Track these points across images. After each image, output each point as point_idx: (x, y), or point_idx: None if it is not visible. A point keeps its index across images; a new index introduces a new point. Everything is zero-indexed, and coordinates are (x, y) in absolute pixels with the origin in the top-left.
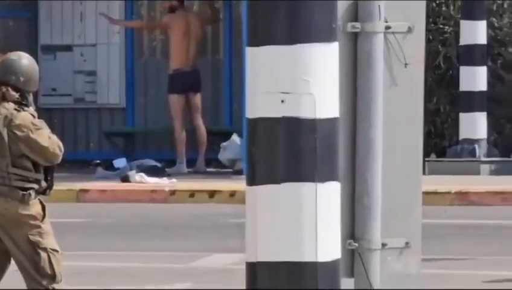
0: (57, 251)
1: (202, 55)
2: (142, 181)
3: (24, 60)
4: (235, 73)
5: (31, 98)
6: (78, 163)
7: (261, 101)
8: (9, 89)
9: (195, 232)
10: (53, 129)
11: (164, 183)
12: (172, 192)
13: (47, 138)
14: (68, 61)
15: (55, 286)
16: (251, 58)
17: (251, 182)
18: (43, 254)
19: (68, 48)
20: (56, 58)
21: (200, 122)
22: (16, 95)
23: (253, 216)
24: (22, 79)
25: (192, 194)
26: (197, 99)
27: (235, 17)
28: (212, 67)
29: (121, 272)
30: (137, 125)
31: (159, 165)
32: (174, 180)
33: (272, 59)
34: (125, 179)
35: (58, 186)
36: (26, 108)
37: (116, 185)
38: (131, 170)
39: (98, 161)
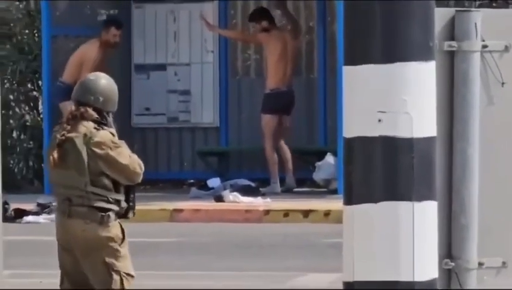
0: (131, 276)
1: (296, 74)
2: (236, 201)
3: (102, 80)
4: (329, 92)
5: (110, 118)
6: (171, 183)
7: (358, 120)
8: (88, 109)
9: (289, 251)
10: (146, 149)
11: (258, 202)
12: (267, 212)
13: (127, 156)
14: (162, 81)
15: None
16: (348, 77)
17: (348, 201)
18: (116, 277)
19: (162, 67)
20: (149, 77)
21: (282, 143)
22: (94, 114)
23: (350, 235)
24: (100, 99)
25: (286, 213)
26: (288, 120)
27: (329, 36)
28: (307, 86)
29: None
30: (231, 145)
31: (253, 184)
32: (268, 199)
33: (368, 78)
34: (219, 198)
35: (151, 205)
36: (105, 127)
37: (210, 204)
38: (225, 189)
39: (191, 181)
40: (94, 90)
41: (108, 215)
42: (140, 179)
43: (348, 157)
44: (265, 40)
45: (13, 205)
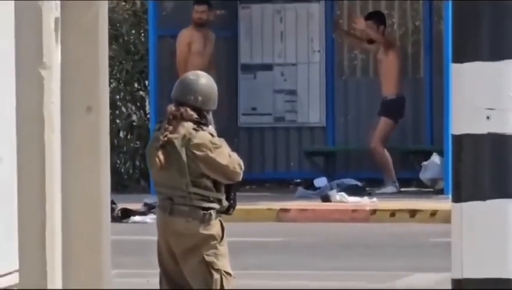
0: (229, 274)
1: (403, 76)
2: (343, 200)
3: (202, 79)
4: (436, 92)
5: (210, 116)
6: (278, 182)
7: (466, 117)
8: (188, 109)
9: (396, 251)
10: (253, 149)
11: (365, 202)
12: (373, 211)
13: (227, 156)
14: (268, 81)
15: None
16: (456, 74)
17: (456, 199)
18: (216, 276)
19: (268, 67)
20: (256, 77)
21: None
22: (194, 114)
23: (458, 232)
24: (200, 99)
25: (393, 213)
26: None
27: (435, 35)
28: (413, 86)
29: None
30: (337, 145)
31: (359, 184)
32: (374, 199)
33: (477, 75)
34: (326, 198)
35: (258, 205)
36: (205, 127)
37: (316, 204)
38: (331, 189)
39: (298, 180)
40: (194, 90)
41: (210, 214)
42: (240, 177)
43: (457, 155)
44: (387, 45)
45: (120, 205)
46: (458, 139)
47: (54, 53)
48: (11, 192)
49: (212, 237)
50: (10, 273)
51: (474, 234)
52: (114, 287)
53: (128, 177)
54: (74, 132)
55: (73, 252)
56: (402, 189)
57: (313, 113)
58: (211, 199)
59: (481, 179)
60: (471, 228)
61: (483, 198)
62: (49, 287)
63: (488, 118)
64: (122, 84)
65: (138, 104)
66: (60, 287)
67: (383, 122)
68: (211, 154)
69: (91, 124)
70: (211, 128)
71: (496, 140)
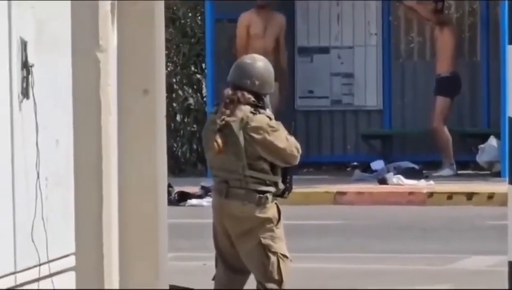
0: (286, 257)
1: (459, 57)
2: (400, 183)
3: (259, 62)
4: (492, 75)
5: (267, 99)
6: (335, 165)
7: None
8: (245, 93)
9: (452, 234)
10: (310, 132)
11: (422, 185)
12: (430, 194)
13: (284, 139)
14: (325, 64)
15: None
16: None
17: None
18: (273, 258)
19: (325, 50)
20: (313, 60)
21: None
22: (251, 98)
23: None
24: (257, 82)
25: (450, 196)
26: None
27: (492, 18)
28: (470, 69)
29: (377, 274)
30: (394, 128)
31: (416, 167)
32: (431, 182)
33: None
34: (383, 181)
35: (315, 188)
36: (262, 110)
37: (373, 187)
38: (388, 172)
39: (355, 163)
40: (250, 74)
41: (266, 197)
42: (297, 161)
43: None
44: (442, 23)
45: (177, 188)
46: None
47: (110, 36)
48: (68, 174)
49: (268, 220)
50: (67, 255)
51: None
52: (171, 269)
53: (185, 160)
54: (131, 114)
55: (130, 235)
56: (459, 172)
57: (369, 96)
58: (267, 182)
59: None
60: None
61: None
62: (105, 269)
63: None
64: (179, 68)
65: (195, 87)
66: (117, 269)
67: (439, 100)
68: (268, 137)
69: (147, 106)
70: (268, 111)
71: None
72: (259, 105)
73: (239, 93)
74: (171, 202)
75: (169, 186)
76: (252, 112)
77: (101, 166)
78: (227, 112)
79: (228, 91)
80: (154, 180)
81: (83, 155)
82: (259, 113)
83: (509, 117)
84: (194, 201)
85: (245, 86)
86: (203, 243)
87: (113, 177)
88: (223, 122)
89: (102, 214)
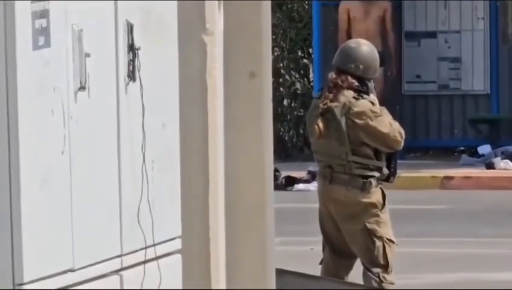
0: (392, 242)
1: None
2: (507, 168)
3: (364, 47)
4: None
5: (371, 84)
6: (442, 150)
7: None
8: (348, 77)
9: None
10: (417, 116)
11: None
12: None
13: (387, 124)
14: (432, 48)
15: (386, 276)
16: None
17: None
18: (378, 243)
19: (432, 35)
20: (420, 45)
21: None
22: (355, 82)
23: None
24: (361, 67)
25: None
26: None
27: None
28: None
29: (485, 258)
30: (502, 112)
31: None
32: None
33: None
34: (490, 165)
35: (422, 173)
36: (365, 96)
37: (480, 171)
38: (495, 156)
39: (462, 148)
40: (354, 58)
41: (370, 182)
42: (401, 146)
43: None
44: None
45: (284, 173)
46: None
47: (216, 19)
48: (175, 158)
49: (373, 204)
50: (173, 239)
51: None
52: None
53: (291, 145)
54: (237, 97)
55: (237, 219)
56: None
57: (477, 80)
58: (371, 167)
59: None
60: None
61: None
62: (212, 252)
63: None
64: (285, 52)
65: (302, 72)
66: (223, 253)
67: None
68: (371, 123)
69: (254, 89)
70: (372, 96)
71: None
72: (363, 90)
73: (342, 78)
74: (278, 187)
75: (276, 171)
76: (355, 97)
77: (207, 149)
78: (330, 96)
79: (332, 75)
80: (261, 164)
81: (189, 139)
82: (362, 98)
83: None
84: (300, 186)
85: (349, 70)
86: (310, 228)
87: (219, 160)
88: (325, 106)
89: (209, 198)
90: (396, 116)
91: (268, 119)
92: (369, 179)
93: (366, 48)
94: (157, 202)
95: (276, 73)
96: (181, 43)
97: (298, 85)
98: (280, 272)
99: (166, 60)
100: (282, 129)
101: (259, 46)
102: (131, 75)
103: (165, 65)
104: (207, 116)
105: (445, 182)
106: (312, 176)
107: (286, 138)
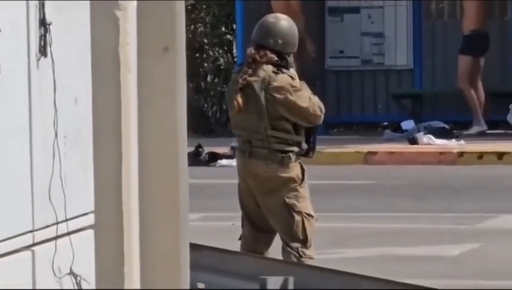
0: (311, 217)
1: (490, 17)
2: (430, 143)
3: (283, 22)
4: None
5: (291, 59)
6: (365, 125)
7: None
8: (268, 52)
9: (482, 193)
10: (340, 92)
11: (452, 145)
12: (461, 154)
13: (307, 99)
14: (355, 23)
15: (305, 251)
16: None
17: None
18: (297, 218)
19: (355, 10)
20: (343, 20)
21: (479, 85)
22: (274, 57)
23: None
24: (280, 42)
25: (480, 155)
26: (482, 62)
27: None
28: (500, 28)
29: (406, 233)
30: (425, 87)
31: (447, 126)
32: (462, 142)
33: None
34: (413, 141)
35: (345, 148)
36: (285, 70)
37: (403, 147)
38: (419, 131)
39: (385, 123)
40: (273, 33)
41: (289, 157)
42: (320, 120)
43: None
44: None
45: (207, 149)
46: None
47: None
48: (87, 133)
49: (291, 179)
50: (86, 214)
51: None
52: (200, 229)
53: (215, 121)
54: (151, 72)
55: (150, 193)
56: (490, 131)
57: (400, 55)
58: (290, 142)
59: None
60: None
61: None
62: (125, 227)
63: None
64: (209, 28)
65: (225, 47)
66: (137, 229)
67: (462, 59)
68: (290, 97)
69: (168, 64)
70: (292, 71)
71: None
72: (282, 65)
73: (261, 53)
74: (202, 163)
75: (200, 146)
76: (274, 72)
77: (120, 124)
78: (249, 71)
79: (251, 50)
80: (175, 139)
81: (101, 113)
82: (282, 72)
83: None
84: (224, 161)
85: (268, 45)
86: (233, 203)
87: (132, 135)
88: (245, 81)
89: (122, 173)
90: (316, 91)
91: (182, 94)
92: (288, 154)
93: (285, 22)
94: (70, 177)
95: (200, 49)
96: (93, 18)
97: (222, 61)
98: (198, 248)
99: (78, 35)
100: (205, 105)
101: (172, 21)
102: (43, 51)
103: (77, 40)
104: (120, 91)
105: (369, 157)
106: (235, 152)
107: (210, 113)
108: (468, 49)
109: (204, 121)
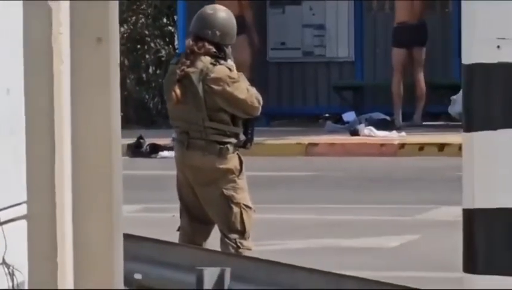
0: (249, 208)
1: (431, 8)
2: (371, 134)
3: (221, 13)
4: None
5: (229, 50)
6: (307, 117)
7: (477, 47)
8: (206, 43)
9: (423, 185)
10: (282, 83)
11: (393, 136)
12: (402, 145)
13: (245, 90)
14: (297, 15)
15: (243, 242)
16: (467, 4)
17: (467, 128)
18: (236, 209)
19: (297, 2)
20: (285, 11)
21: (420, 77)
22: (212, 48)
23: (469, 162)
24: (218, 33)
25: (421, 147)
26: (421, 53)
27: None
28: (441, 20)
29: (346, 224)
30: (366, 79)
31: (388, 118)
32: (403, 133)
33: (488, 5)
34: (355, 132)
35: (287, 140)
36: (223, 61)
37: (345, 138)
38: (360, 123)
39: (327, 115)
40: (212, 24)
41: (227, 148)
42: (258, 112)
43: (467, 84)
44: None
45: (148, 140)
46: (468, 69)
47: None
48: (19, 124)
49: (229, 170)
50: (19, 204)
51: (485, 164)
52: (140, 220)
53: (156, 112)
54: (84, 63)
55: (83, 184)
56: (431, 123)
57: (341, 47)
58: (228, 133)
59: (491, 109)
60: (482, 158)
61: (493, 127)
62: (58, 218)
63: (498, 47)
64: (150, 19)
65: (167, 39)
66: (70, 219)
67: (392, 52)
68: (228, 89)
69: (101, 55)
70: (230, 62)
71: (507, 69)
72: (220, 56)
73: (199, 44)
74: (143, 154)
75: (141, 138)
76: (212, 63)
77: (53, 115)
78: (187, 62)
79: (189, 41)
80: (108, 130)
81: (34, 104)
82: (220, 64)
83: (462, 64)
84: (165, 153)
85: (206, 36)
86: (174, 195)
87: (65, 126)
88: (183, 72)
89: (55, 163)
90: (254, 83)
91: (115, 85)
92: (225, 145)
93: (223, 14)
94: (2, 167)
95: (141, 40)
96: (26, 8)
97: (163, 52)
98: (137, 239)
99: (11, 25)
100: (147, 96)
101: (105, 12)
102: None
103: (10, 30)
104: (52, 82)
105: (310, 149)
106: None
107: (151, 105)
108: (398, 42)
109: (146, 112)
